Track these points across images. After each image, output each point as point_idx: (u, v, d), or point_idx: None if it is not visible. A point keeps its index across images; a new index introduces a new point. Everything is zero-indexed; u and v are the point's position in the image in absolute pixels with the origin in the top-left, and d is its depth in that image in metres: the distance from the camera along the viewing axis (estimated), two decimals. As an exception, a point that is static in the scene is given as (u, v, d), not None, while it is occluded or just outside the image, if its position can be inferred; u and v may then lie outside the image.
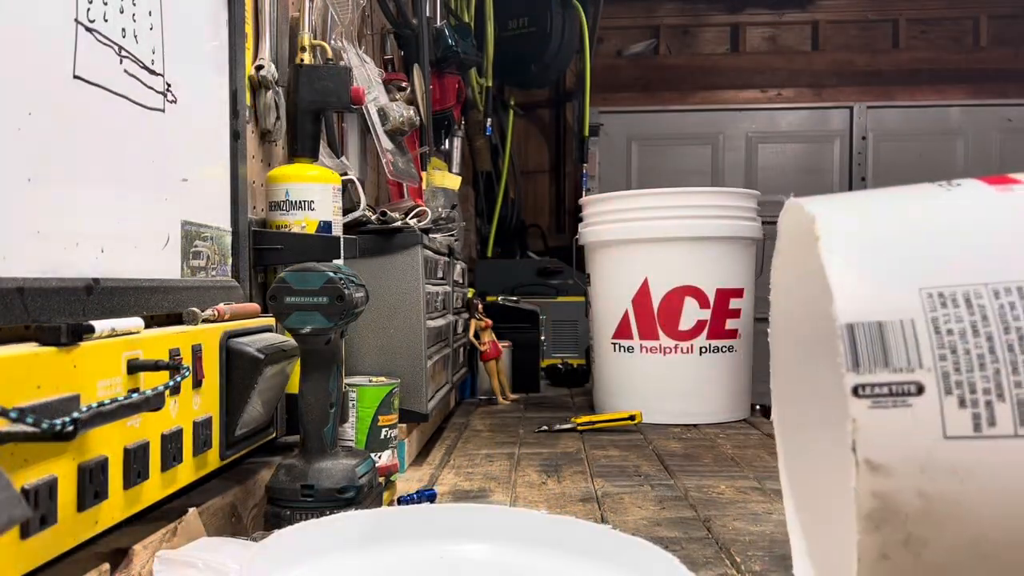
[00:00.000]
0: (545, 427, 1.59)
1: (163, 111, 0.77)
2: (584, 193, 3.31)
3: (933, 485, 0.48)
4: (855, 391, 0.48)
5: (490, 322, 1.94)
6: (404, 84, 1.61)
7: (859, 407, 0.48)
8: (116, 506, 0.62)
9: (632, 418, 1.60)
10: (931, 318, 0.49)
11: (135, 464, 0.64)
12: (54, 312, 0.58)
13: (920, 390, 0.48)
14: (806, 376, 0.67)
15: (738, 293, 1.73)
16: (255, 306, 0.92)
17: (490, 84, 2.84)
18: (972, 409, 0.47)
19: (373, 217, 1.25)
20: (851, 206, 0.58)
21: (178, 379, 0.65)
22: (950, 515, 0.48)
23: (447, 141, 2.24)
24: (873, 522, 0.48)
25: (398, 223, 1.26)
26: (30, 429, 0.48)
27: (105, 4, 0.67)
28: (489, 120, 2.87)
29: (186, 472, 0.74)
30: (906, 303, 0.50)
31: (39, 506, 0.52)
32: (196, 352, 0.76)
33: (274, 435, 0.99)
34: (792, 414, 0.70)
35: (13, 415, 0.47)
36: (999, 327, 0.48)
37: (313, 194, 1.05)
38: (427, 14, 1.84)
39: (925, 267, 0.51)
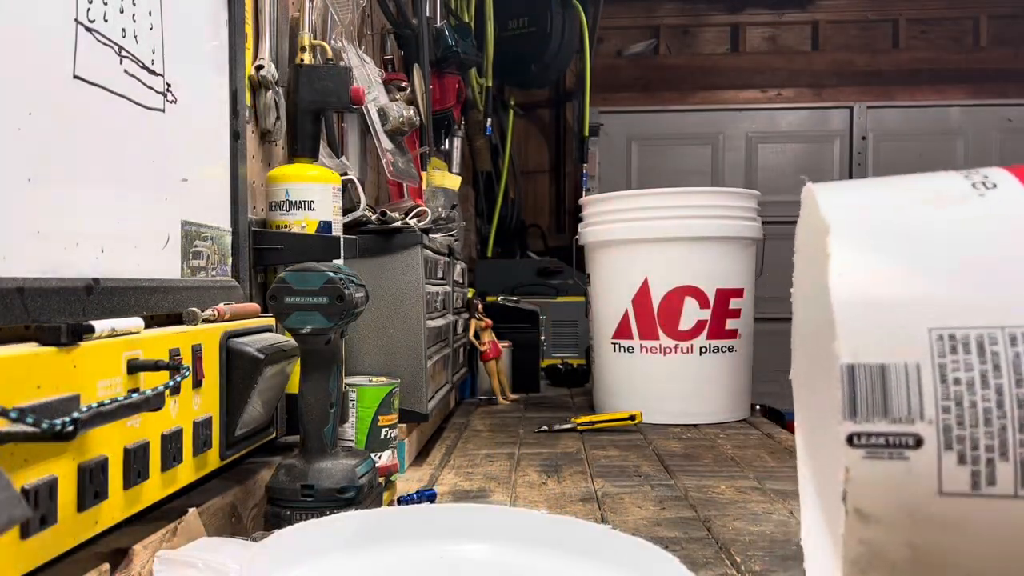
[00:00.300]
0: (545, 427, 1.59)
1: (163, 111, 0.77)
2: (584, 193, 3.31)
3: (923, 538, 0.46)
4: (850, 440, 0.46)
5: (490, 322, 1.94)
6: (404, 84, 1.61)
7: (853, 456, 0.46)
8: (116, 506, 0.62)
9: (632, 418, 1.60)
10: (938, 364, 0.45)
11: (135, 464, 0.64)
12: (54, 312, 0.58)
13: (919, 443, 0.45)
14: (822, 345, 0.64)
15: (738, 293, 1.73)
16: (255, 306, 0.92)
17: (490, 84, 2.84)
18: (972, 467, 0.45)
19: (373, 217, 1.25)
20: (870, 218, 0.51)
21: (178, 379, 0.65)
22: (939, 567, 0.46)
23: (447, 141, 2.24)
24: (859, 567, 0.47)
25: (398, 223, 1.26)
26: (30, 429, 0.48)
27: (105, 4, 0.67)
28: (489, 120, 2.87)
29: (186, 472, 0.74)
30: (913, 345, 0.46)
31: (39, 506, 0.52)
32: (196, 352, 0.76)
33: (274, 435, 0.99)
34: (808, 380, 0.68)
35: (13, 415, 0.47)
36: (1011, 379, 0.45)
37: (313, 194, 1.05)
38: (427, 14, 1.84)
39: (939, 303, 0.46)
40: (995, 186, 0.50)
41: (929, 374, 0.45)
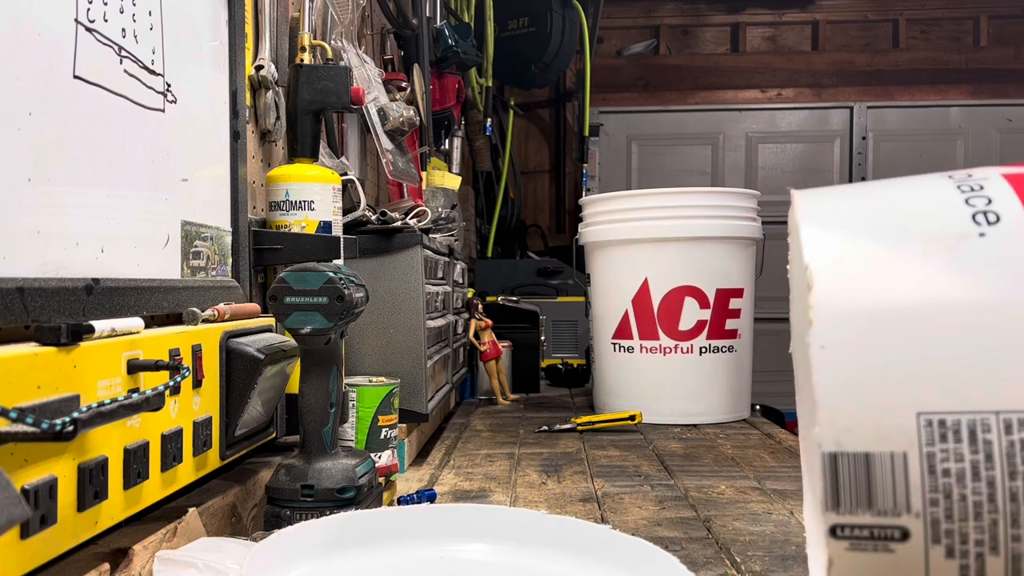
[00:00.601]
0: (545, 427, 1.59)
1: (163, 111, 0.77)
2: (584, 193, 3.31)
3: None
4: (833, 531, 0.44)
5: (490, 322, 1.94)
6: (404, 84, 1.61)
7: (836, 548, 0.44)
8: (116, 506, 0.62)
9: (632, 418, 1.60)
10: (927, 453, 0.42)
11: (135, 464, 0.64)
12: (54, 312, 0.58)
13: (905, 536, 0.43)
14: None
15: (738, 293, 1.73)
16: (255, 306, 0.92)
17: (490, 84, 2.84)
18: (960, 560, 0.42)
19: (373, 217, 1.25)
20: (857, 274, 0.46)
21: (178, 379, 0.65)
22: None
23: (447, 141, 2.24)
24: None
25: (398, 223, 1.26)
26: (30, 429, 0.48)
27: (105, 4, 0.67)
28: (489, 120, 2.87)
29: (186, 472, 0.74)
30: (900, 432, 0.43)
31: (39, 506, 0.52)
32: (196, 352, 0.76)
33: (274, 435, 0.99)
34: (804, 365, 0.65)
35: (13, 415, 0.47)
36: (1004, 471, 0.42)
37: (313, 194, 1.05)
38: (427, 14, 1.84)
39: (928, 384, 0.43)
40: (997, 220, 0.45)
41: (916, 464, 0.43)
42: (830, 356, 0.44)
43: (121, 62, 0.69)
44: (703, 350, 1.71)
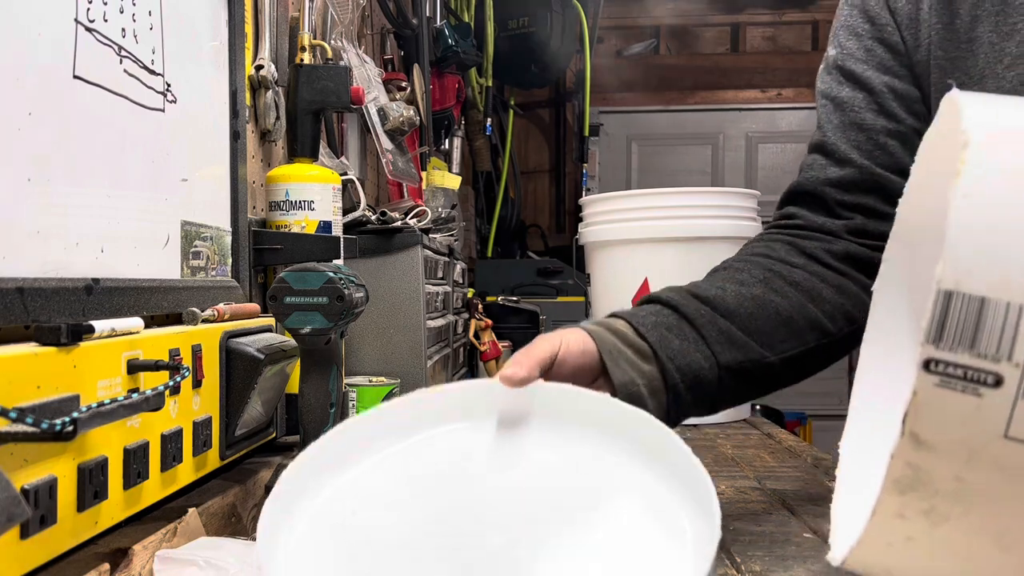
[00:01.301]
0: (545, 427, 1.59)
1: (163, 111, 0.77)
2: (584, 193, 3.31)
3: (975, 475, 0.45)
4: (926, 365, 0.44)
5: (490, 322, 1.94)
6: (404, 84, 1.62)
7: (925, 382, 0.44)
8: (116, 506, 0.62)
9: (632, 418, 1.60)
10: None
11: (135, 464, 0.64)
12: (54, 312, 0.58)
13: (998, 383, 0.44)
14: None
15: (738, 293, 1.73)
16: (255, 306, 0.92)
17: (490, 84, 2.85)
18: None
19: (373, 217, 1.26)
20: (1014, 145, 0.48)
21: (178, 379, 0.65)
22: (983, 506, 0.46)
23: (447, 141, 2.24)
24: (900, 487, 0.46)
25: (398, 223, 1.26)
26: (30, 429, 0.48)
27: (105, 4, 0.67)
28: (489, 120, 2.87)
29: (186, 472, 0.74)
30: (1022, 284, 0.44)
31: (39, 506, 0.52)
32: (196, 352, 0.76)
33: (274, 435, 0.99)
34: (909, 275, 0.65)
35: (13, 415, 0.47)
36: None
37: (313, 194, 1.05)
38: (427, 14, 1.84)
39: None
40: None
41: None
42: (970, 204, 0.45)
43: (121, 62, 0.70)
44: (703, 350, 1.70)
